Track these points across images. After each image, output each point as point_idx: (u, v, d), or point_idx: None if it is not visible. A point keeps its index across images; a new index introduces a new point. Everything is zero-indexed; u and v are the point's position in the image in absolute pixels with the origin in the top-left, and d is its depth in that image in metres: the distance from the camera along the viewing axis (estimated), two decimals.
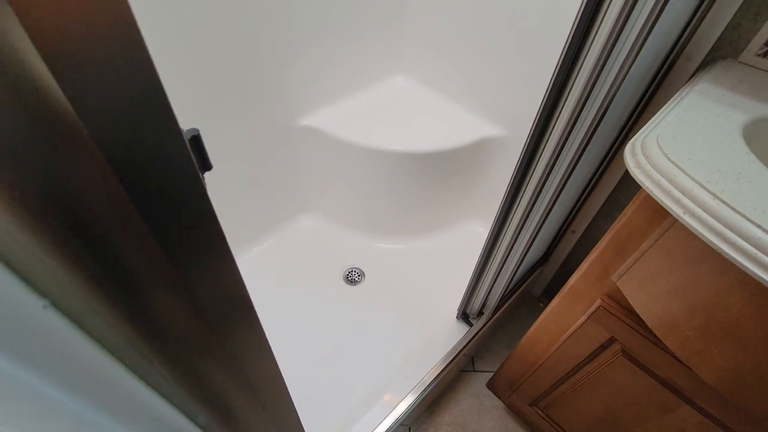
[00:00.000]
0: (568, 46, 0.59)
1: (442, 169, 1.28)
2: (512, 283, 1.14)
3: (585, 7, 0.55)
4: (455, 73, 1.28)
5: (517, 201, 0.83)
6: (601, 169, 1.01)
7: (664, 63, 0.78)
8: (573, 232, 1.21)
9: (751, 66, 0.70)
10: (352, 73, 1.32)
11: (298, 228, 1.47)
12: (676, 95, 0.65)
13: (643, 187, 0.50)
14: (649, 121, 0.58)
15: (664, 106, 0.62)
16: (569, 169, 0.75)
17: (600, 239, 0.67)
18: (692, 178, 0.46)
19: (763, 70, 0.69)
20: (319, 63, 1.20)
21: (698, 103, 0.60)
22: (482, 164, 1.31)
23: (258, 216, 1.36)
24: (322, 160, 1.31)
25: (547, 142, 0.71)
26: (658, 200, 0.48)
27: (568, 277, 0.75)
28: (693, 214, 0.45)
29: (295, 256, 1.40)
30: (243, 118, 1.12)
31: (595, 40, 0.57)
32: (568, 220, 1.19)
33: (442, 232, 1.47)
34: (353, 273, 1.37)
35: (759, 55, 0.69)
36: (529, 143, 0.72)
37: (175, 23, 0.88)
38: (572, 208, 1.12)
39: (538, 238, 0.94)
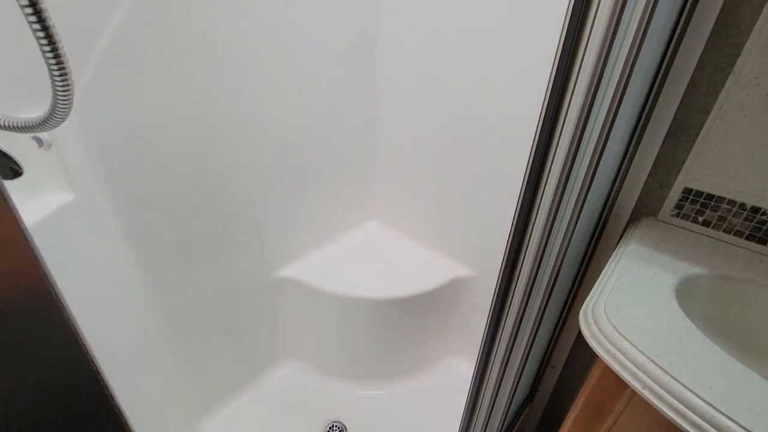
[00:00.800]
0: (519, 213, 0.69)
1: (418, 312, 1.32)
2: (503, 428, 1.09)
3: (528, 179, 0.67)
4: (424, 216, 1.40)
5: (497, 340, 0.85)
6: (566, 306, 1.08)
7: (599, 220, 0.91)
8: (553, 366, 1.22)
9: (669, 224, 0.83)
10: (328, 221, 1.42)
11: (277, 377, 1.40)
12: (613, 255, 0.75)
13: (601, 358, 0.55)
14: (594, 286, 0.66)
15: (605, 268, 0.71)
16: (540, 311, 0.81)
17: (578, 389, 0.69)
18: (642, 352, 0.51)
19: (679, 227, 0.81)
20: (295, 214, 1.30)
21: (633, 266, 0.69)
22: (457, 302, 1.35)
23: (233, 366, 1.31)
24: (300, 310, 1.33)
25: (515, 288, 0.77)
26: (617, 373, 0.52)
27: (558, 414, 0.75)
28: (651, 390, 0.49)
29: (274, 410, 1.31)
30: (219, 271, 1.16)
31: (542, 203, 0.67)
32: (547, 355, 1.20)
33: (425, 373, 1.44)
34: (334, 429, 1.28)
35: (673, 215, 0.82)
36: (498, 290, 0.78)
37: (150, 176, 0.96)
38: (548, 343, 1.15)
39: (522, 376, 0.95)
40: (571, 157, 0.64)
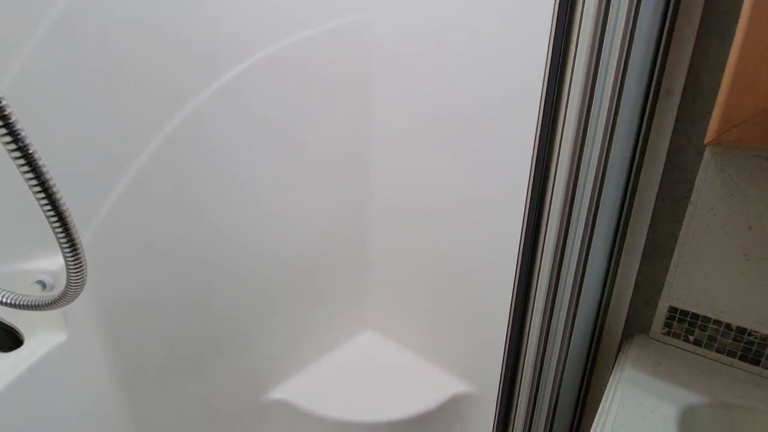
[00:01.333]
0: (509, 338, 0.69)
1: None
2: None
3: (517, 294, 0.68)
4: (420, 326, 1.39)
5: None
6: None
7: (593, 337, 0.91)
8: None
9: (661, 342, 0.83)
10: (321, 334, 1.40)
11: None
12: (611, 379, 0.74)
13: None
14: (594, 423, 0.64)
15: (603, 398, 0.69)
16: None
17: None
18: None
19: (672, 346, 0.82)
20: (287, 329, 1.28)
21: (631, 396, 0.68)
22: (459, 422, 1.28)
23: None
24: None
25: (515, 414, 0.74)
26: None
27: None
28: None
29: None
30: (206, 394, 1.11)
31: (533, 319, 0.68)
32: None
33: None
34: None
35: (664, 333, 0.83)
36: (498, 413, 0.75)
37: (141, 304, 0.96)
38: None
39: None
40: (556, 271, 0.67)
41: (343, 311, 1.45)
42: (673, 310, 0.81)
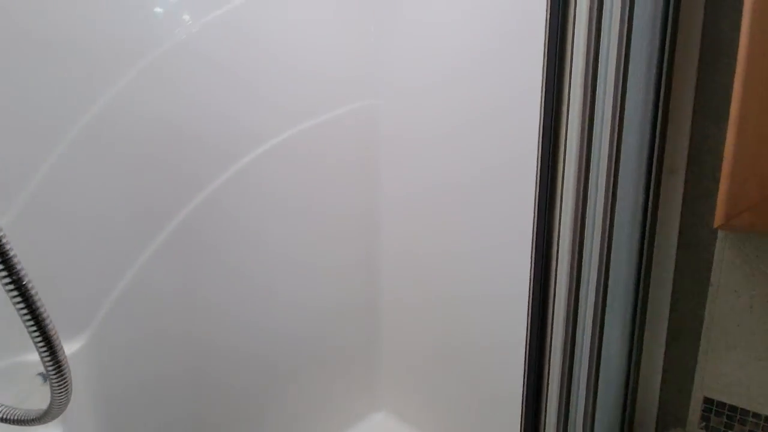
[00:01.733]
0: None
1: None
2: None
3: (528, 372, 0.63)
4: (434, 406, 1.30)
5: None
6: None
7: (622, 431, 0.83)
8: None
9: None
10: (331, 416, 1.32)
11: None
12: None
13: None
14: None
15: None
16: None
17: None
18: None
19: None
20: (295, 409, 1.21)
21: None
22: None
23: None
24: None
25: None
26: None
27: None
28: None
29: None
30: None
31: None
32: None
33: None
34: None
35: (702, 429, 0.75)
36: None
37: (142, 395, 0.92)
38: None
39: None
40: (568, 352, 0.63)
41: (354, 391, 1.38)
42: (708, 401, 0.74)
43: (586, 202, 0.59)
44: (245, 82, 1.06)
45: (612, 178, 0.63)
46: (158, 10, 0.94)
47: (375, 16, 1.29)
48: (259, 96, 1.08)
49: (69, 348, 0.80)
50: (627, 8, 0.62)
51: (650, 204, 0.74)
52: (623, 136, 0.64)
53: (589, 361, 0.71)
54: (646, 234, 0.74)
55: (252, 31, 1.06)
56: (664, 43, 0.68)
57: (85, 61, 0.84)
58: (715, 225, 0.59)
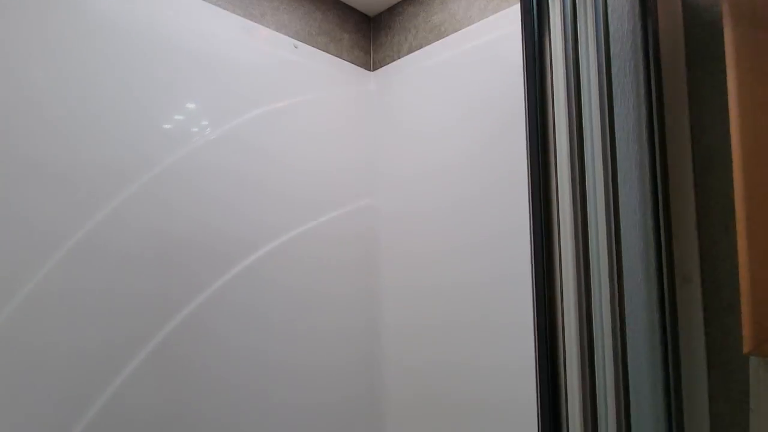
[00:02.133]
0: None
1: None
2: None
3: None
4: None
5: None
6: None
7: None
8: None
9: None
10: None
11: None
12: None
13: None
14: None
15: None
16: None
17: None
18: None
19: None
20: None
21: None
22: None
23: None
24: None
25: None
26: None
27: None
28: None
29: None
30: None
31: None
32: None
33: None
34: None
35: None
36: None
37: None
38: None
39: None
40: None
41: None
42: None
43: (591, 326, 0.54)
44: (251, 188, 1.09)
45: (617, 296, 0.58)
46: (167, 126, 0.99)
47: (371, 127, 1.37)
48: (264, 199, 1.12)
49: None
50: (607, 119, 0.62)
51: (668, 319, 0.67)
52: (622, 246, 0.60)
53: None
54: (669, 357, 0.66)
55: (259, 142, 1.12)
56: (654, 152, 0.67)
57: (83, 182, 0.87)
58: (745, 351, 0.52)
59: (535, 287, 0.59)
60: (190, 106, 1.03)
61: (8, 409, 0.75)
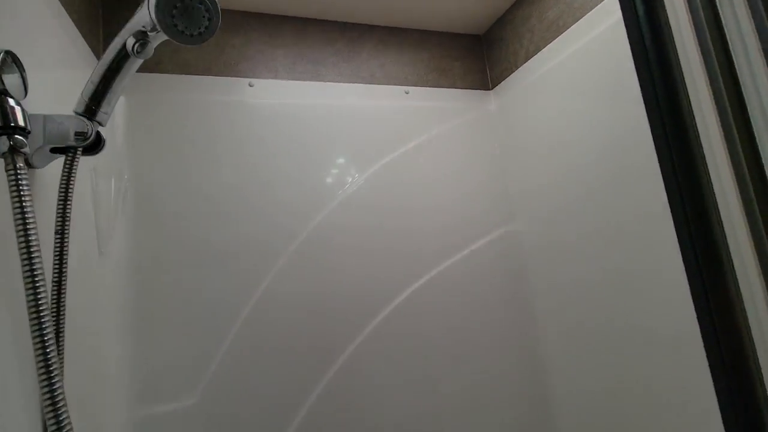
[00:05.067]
0: None
1: None
2: None
3: None
4: None
5: None
6: None
7: None
8: None
9: None
10: None
11: None
12: None
13: None
14: None
15: None
16: None
17: None
18: None
19: None
20: None
21: None
22: None
23: None
24: None
25: None
26: None
27: None
28: None
29: None
30: None
31: None
32: None
33: None
34: None
35: None
36: None
37: None
38: None
39: None
40: None
41: None
42: None
43: None
44: (392, 231, 1.17)
45: None
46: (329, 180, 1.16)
47: (498, 147, 1.30)
48: (406, 240, 1.18)
49: None
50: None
51: None
52: None
53: None
54: None
55: (397, 181, 1.21)
56: None
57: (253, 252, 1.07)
58: None
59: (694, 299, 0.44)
60: (334, 170, 1.18)
61: None
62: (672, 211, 0.49)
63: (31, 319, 0.46)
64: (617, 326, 0.98)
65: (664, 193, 0.50)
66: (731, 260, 0.44)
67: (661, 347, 0.89)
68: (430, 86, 1.35)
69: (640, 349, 0.93)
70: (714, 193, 0.45)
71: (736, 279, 0.43)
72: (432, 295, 1.16)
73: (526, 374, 1.19)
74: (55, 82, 0.69)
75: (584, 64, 1.04)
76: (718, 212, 0.45)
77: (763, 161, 0.43)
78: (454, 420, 1.11)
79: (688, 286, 0.48)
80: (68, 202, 0.59)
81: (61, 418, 0.45)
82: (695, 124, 0.48)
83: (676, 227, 0.49)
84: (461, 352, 1.16)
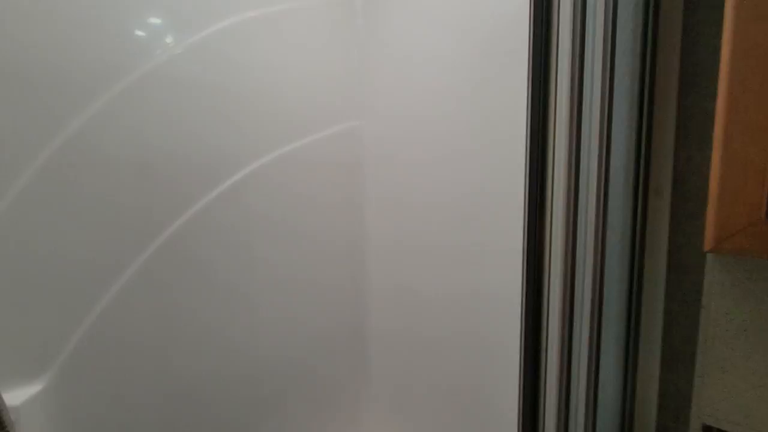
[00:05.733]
0: None
1: None
2: None
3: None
4: None
5: None
6: None
7: None
8: None
9: None
10: None
11: None
12: None
13: None
14: None
15: None
16: None
17: None
18: None
19: None
20: None
21: None
22: None
23: None
24: None
25: None
26: None
27: None
28: None
29: None
30: None
31: None
32: None
33: None
34: None
35: None
36: None
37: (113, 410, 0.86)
38: None
39: None
40: (565, 381, 0.61)
41: (340, 422, 1.33)
42: (707, 429, 0.72)
43: (576, 224, 0.58)
44: (227, 105, 1.04)
45: (602, 201, 0.62)
46: (139, 33, 0.92)
47: (358, 40, 1.30)
48: (243, 116, 1.07)
49: (27, 392, 0.75)
50: (610, 28, 0.63)
51: (638, 227, 0.73)
52: (611, 159, 0.64)
53: (586, 388, 0.68)
54: (636, 257, 0.73)
55: (235, 55, 1.05)
56: (645, 65, 0.69)
57: (58, 85, 0.82)
58: (705, 249, 0.58)
59: (528, 199, 0.63)
60: (155, 20, 0.94)
61: None
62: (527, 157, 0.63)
63: None
64: (445, 241, 1.14)
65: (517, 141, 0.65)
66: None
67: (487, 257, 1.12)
68: None
69: (462, 243, 1.15)
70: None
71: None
72: (270, 179, 1.11)
73: (347, 265, 1.32)
74: None
75: None
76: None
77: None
78: (273, 296, 1.15)
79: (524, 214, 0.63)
80: None
81: None
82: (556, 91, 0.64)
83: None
84: (290, 238, 1.17)
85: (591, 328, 0.67)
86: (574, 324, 0.66)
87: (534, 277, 0.61)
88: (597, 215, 0.61)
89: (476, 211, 1.08)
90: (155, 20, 0.93)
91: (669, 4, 0.67)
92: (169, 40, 0.95)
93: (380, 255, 1.32)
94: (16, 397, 0.72)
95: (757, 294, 0.65)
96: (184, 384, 0.99)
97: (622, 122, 0.66)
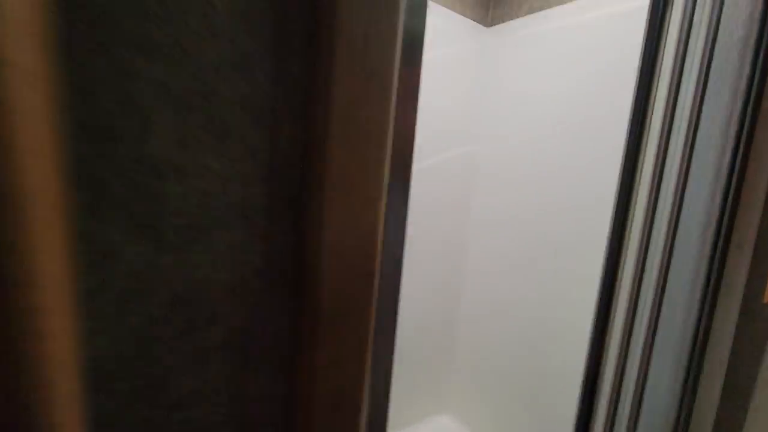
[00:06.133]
0: None
1: None
2: None
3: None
4: (497, 420, 1.42)
5: None
6: None
7: None
8: None
9: None
10: (399, 409, 1.49)
11: None
12: None
13: None
14: None
15: None
16: None
17: None
18: None
19: None
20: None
21: None
22: None
23: None
24: None
25: None
26: None
27: None
28: None
29: None
30: None
31: None
32: None
33: None
34: None
35: None
36: None
37: None
38: None
39: None
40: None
41: (422, 392, 1.55)
42: None
43: (642, 276, 0.73)
44: None
45: (668, 248, 0.75)
46: None
47: (480, 80, 1.52)
48: None
49: None
50: (701, 86, 0.75)
51: (714, 273, 0.83)
52: (681, 214, 0.76)
53: (631, 406, 0.81)
54: (708, 300, 0.84)
55: None
56: (745, 113, 0.78)
57: None
58: (765, 301, 0.69)
59: (611, 239, 0.78)
60: None
61: None
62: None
63: None
64: (530, 254, 1.39)
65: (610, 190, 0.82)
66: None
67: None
68: None
69: (548, 261, 1.35)
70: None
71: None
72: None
73: (451, 262, 1.56)
74: None
75: (576, 40, 1.30)
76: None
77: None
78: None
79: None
80: None
81: None
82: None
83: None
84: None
85: (645, 346, 0.79)
86: (632, 343, 0.79)
87: (605, 302, 0.76)
88: (663, 256, 0.74)
89: (564, 238, 1.23)
90: None
91: None
92: None
93: (477, 255, 1.53)
94: None
95: None
96: None
97: (703, 179, 0.78)
